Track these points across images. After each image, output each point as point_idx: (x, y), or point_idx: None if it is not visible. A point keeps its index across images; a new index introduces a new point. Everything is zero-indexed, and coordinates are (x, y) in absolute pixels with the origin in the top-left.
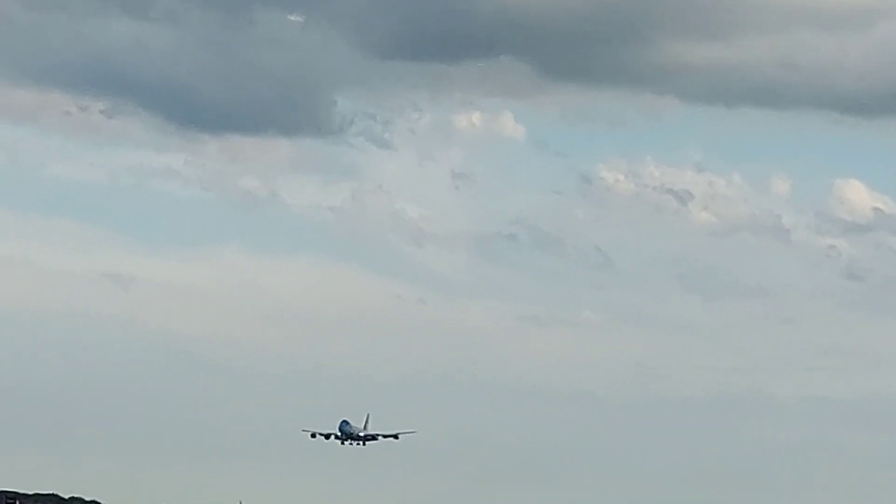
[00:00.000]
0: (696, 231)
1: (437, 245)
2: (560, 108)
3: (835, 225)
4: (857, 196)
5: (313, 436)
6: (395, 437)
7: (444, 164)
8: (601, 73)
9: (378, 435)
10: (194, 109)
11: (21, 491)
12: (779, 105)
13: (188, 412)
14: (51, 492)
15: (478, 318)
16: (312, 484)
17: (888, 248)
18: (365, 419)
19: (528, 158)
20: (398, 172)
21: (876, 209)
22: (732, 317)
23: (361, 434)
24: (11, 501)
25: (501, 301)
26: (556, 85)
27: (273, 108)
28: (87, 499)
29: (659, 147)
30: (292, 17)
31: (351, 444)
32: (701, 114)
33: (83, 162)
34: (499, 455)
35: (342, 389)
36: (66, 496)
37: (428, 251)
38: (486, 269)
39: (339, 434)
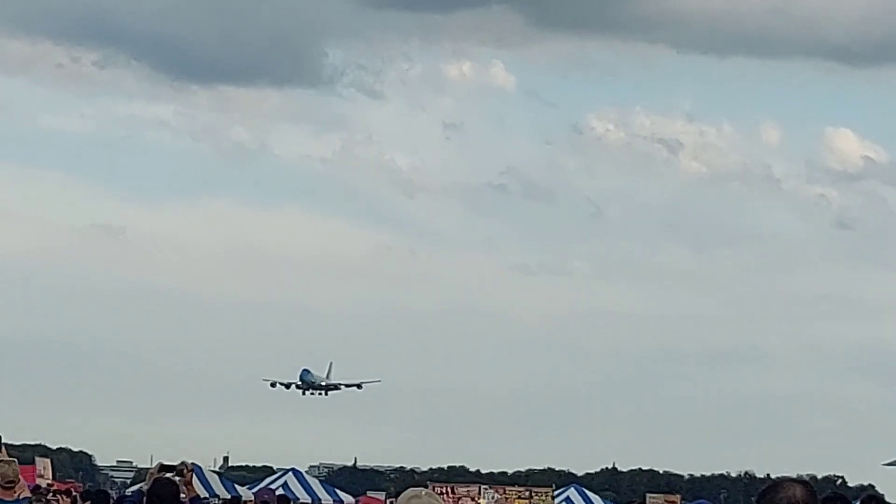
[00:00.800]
0: (686, 180)
1: (427, 195)
2: (551, 58)
3: (825, 174)
4: (848, 145)
5: (273, 385)
6: (359, 386)
7: (435, 115)
8: (593, 22)
9: (340, 384)
10: (185, 60)
11: (7, 441)
12: (770, 54)
13: (177, 363)
14: (38, 442)
15: (468, 267)
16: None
17: (878, 197)
18: (328, 368)
19: (518, 108)
20: (388, 123)
21: (866, 158)
22: (723, 266)
23: (323, 383)
24: None
25: (492, 251)
26: (548, 34)
27: (264, 59)
28: (75, 449)
29: (650, 97)
30: None
31: (312, 393)
32: (693, 63)
33: (74, 113)
34: (489, 404)
35: (333, 339)
36: (54, 447)
37: (418, 201)
38: (476, 220)
39: (299, 383)
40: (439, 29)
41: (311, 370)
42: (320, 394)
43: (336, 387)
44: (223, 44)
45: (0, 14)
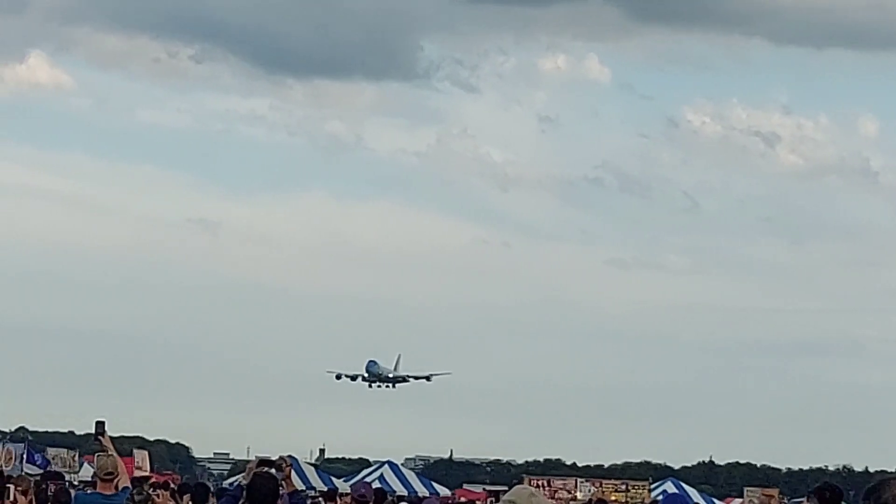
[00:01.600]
0: (783, 173)
1: (522, 189)
2: (646, 51)
3: None
4: None
5: (338, 377)
6: (428, 378)
7: (530, 108)
8: (689, 14)
9: (409, 377)
10: (281, 54)
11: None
12: (868, 46)
13: (272, 356)
14: (136, 434)
15: (563, 261)
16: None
17: None
18: (396, 360)
19: (613, 102)
20: (483, 116)
21: None
22: (819, 259)
23: (390, 375)
24: (101, 430)
25: (586, 245)
26: (643, 27)
27: (360, 53)
28: (172, 441)
29: (746, 89)
30: None
31: (379, 385)
32: (789, 55)
33: (170, 108)
34: (585, 397)
35: (428, 332)
36: (152, 439)
37: (513, 195)
38: (571, 213)
39: (366, 375)
40: (534, 22)
41: (378, 361)
42: (387, 386)
43: (404, 379)
44: (319, 38)
45: (97, 10)
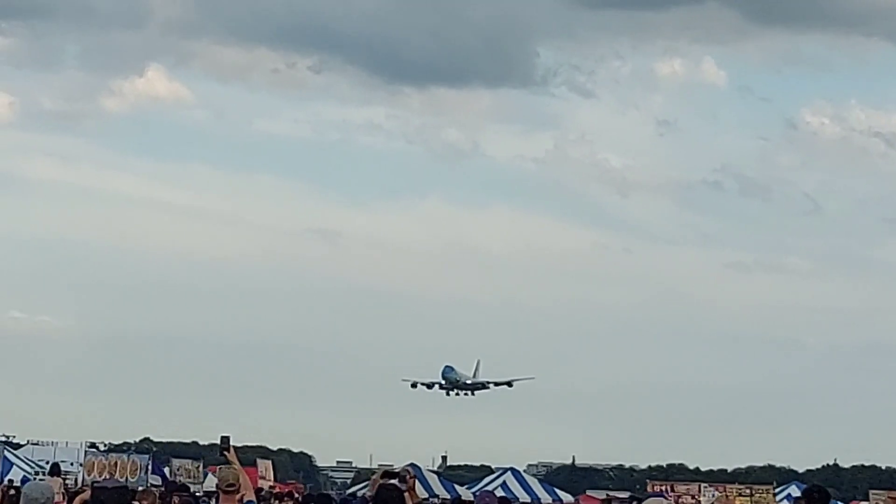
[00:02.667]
0: None
1: (641, 193)
2: (763, 53)
3: None
4: None
5: (414, 385)
6: (509, 384)
7: (647, 113)
8: (806, 16)
9: (489, 383)
10: (398, 63)
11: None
12: None
13: (393, 363)
14: (259, 444)
15: (683, 265)
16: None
17: None
18: (475, 365)
19: (731, 104)
20: (601, 122)
21: None
22: None
23: (469, 382)
24: (226, 445)
25: (707, 248)
26: (760, 29)
27: (476, 60)
28: (295, 450)
29: (865, 90)
30: None
31: (458, 393)
32: None
33: (288, 118)
34: (707, 401)
35: (548, 337)
36: (274, 448)
37: (632, 200)
38: (690, 217)
39: (442, 383)
40: (651, 27)
41: (454, 367)
42: (466, 394)
43: (484, 385)
44: (436, 46)
45: (215, 23)
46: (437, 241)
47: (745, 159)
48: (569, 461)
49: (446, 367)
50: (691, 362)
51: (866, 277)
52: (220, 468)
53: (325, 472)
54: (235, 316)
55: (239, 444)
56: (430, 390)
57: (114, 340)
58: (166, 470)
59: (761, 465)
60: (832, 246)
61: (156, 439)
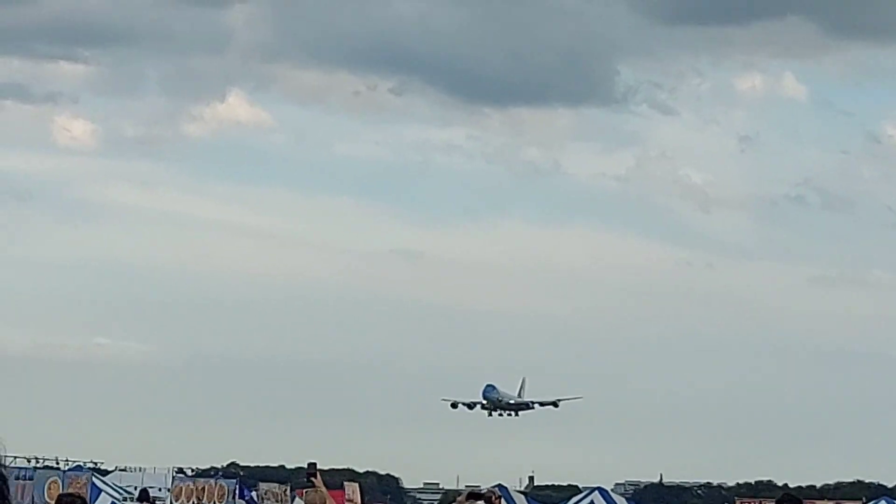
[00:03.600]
0: None
1: (723, 209)
2: (843, 66)
3: None
4: None
5: (454, 406)
6: (555, 404)
7: (728, 128)
8: (886, 28)
9: (534, 402)
10: (478, 83)
11: (319, 467)
12: None
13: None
14: (346, 467)
15: (767, 280)
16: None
17: None
18: (520, 384)
19: (812, 118)
20: (682, 138)
21: None
22: None
23: (512, 402)
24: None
25: (791, 263)
26: (840, 42)
27: (556, 79)
28: (382, 472)
29: None
30: None
31: (501, 414)
32: None
33: (367, 140)
34: (795, 416)
35: (628, 355)
36: (361, 471)
37: (714, 216)
38: (773, 232)
39: (484, 403)
40: (730, 42)
41: (496, 386)
42: (509, 414)
43: (528, 405)
44: (515, 66)
45: (295, 47)
46: (518, 261)
47: (827, 173)
48: (655, 479)
49: (487, 386)
50: (777, 378)
51: None
52: (306, 491)
53: (411, 493)
54: (320, 338)
55: (326, 468)
56: (471, 410)
57: (198, 364)
58: (253, 494)
59: (850, 480)
60: None
61: (242, 463)
